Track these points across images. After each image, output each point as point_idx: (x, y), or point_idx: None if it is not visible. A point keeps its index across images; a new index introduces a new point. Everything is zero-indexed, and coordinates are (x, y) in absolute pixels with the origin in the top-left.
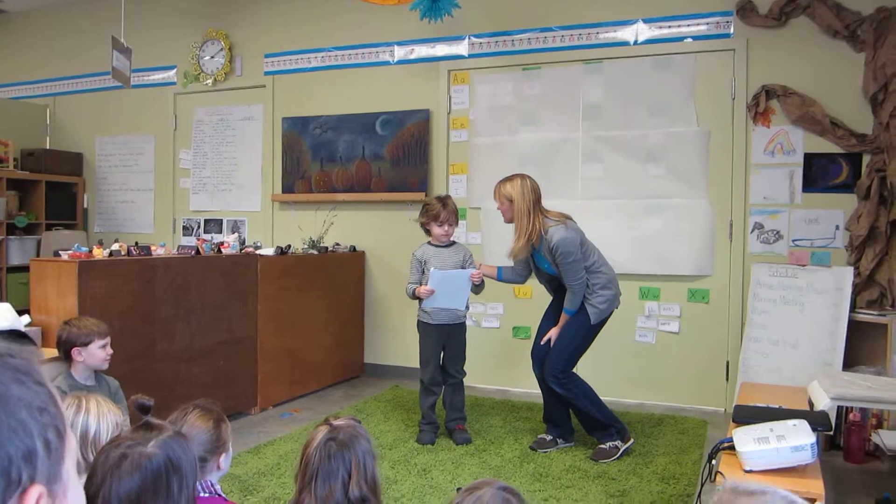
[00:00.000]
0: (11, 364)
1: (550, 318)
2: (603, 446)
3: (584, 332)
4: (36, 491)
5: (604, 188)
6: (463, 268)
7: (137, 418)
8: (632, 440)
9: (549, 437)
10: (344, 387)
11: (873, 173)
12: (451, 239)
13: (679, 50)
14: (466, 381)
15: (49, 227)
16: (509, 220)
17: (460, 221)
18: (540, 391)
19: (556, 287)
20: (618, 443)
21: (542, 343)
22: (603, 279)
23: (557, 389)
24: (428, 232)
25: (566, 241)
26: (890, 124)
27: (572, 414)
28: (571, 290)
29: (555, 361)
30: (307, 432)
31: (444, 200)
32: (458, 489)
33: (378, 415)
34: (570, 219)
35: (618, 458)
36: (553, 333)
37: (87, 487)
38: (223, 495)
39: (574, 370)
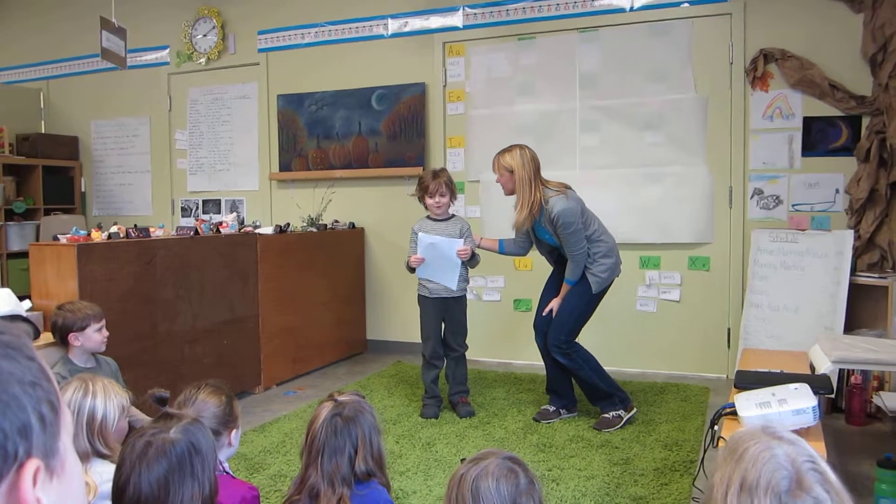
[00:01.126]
0: (1, 340)
1: (552, 289)
2: (606, 415)
3: (585, 301)
4: (33, 465)
5: (602, 158)
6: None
7: (155, 409)
8: (635, 409)
9: (552, 408)
10: (347, 364)
11: (873, 135)
12: (451, 212)
13: (675, 15)
14: (469, 354)
15: (47, 212)
16: (510, 192)
17: (459, 195)
18: (542, 363)
19: (557, 258)
20: (621, 412)
21: (543, 314)
22: (604, 248)
23: (561, 360)
24: (426, 206)
25: (567, 212)
26: (889, 85)
27: (575, 384)
28: (572, 260)
29: (557, 332)
30: (312, 410)
31: (437, 172)
32: (463, 460)
33: (381, 390)
34: (570, 188)
35: (621, 427)
36: (554, 304)
37: (116, 477)
38: (231, 473)
39: (577, 340)
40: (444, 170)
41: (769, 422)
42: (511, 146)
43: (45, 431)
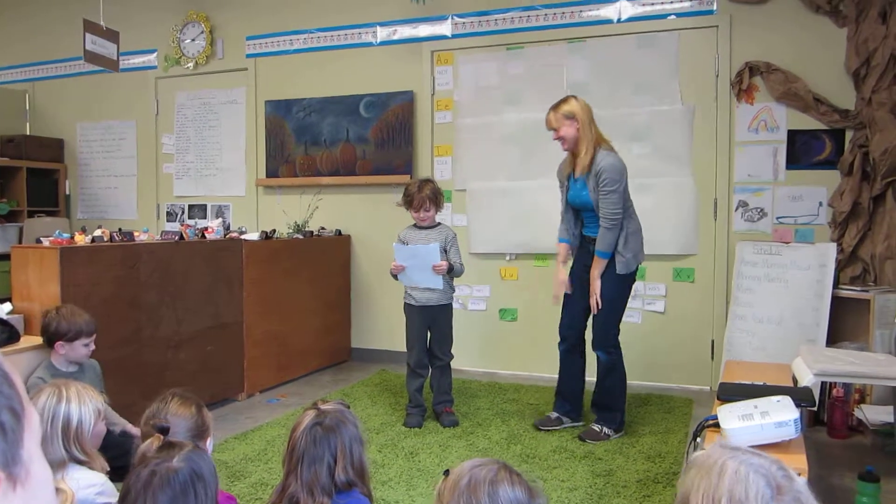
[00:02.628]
0: None
1: (576, 292)
2: (596, 427)
3: (619, 287)
4: None
5: None
6: (445, 250)
7: (157, 438)
8: (622, 433)
9: (554, 415)
10: (331, 371)
11: (856, 149)
12: (437, 221)
13: (662, 27)
14: (453, 364)
15: (31, 215)
16: (572, 144)
17: (446, 204)
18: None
19: (581, 239)
20: (611, 432)
21: (595, 310)
22: (634, 225)
23: (602, 356)
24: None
25: (614, 168)
26: (872, 99)
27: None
28: (606, 227)
29: (604, 327)
30: (294, 417)
31: (421, 185)
32: (447, 472)
33: (365, 399)
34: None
35: (602, 442)
36: (594, 295)
37: None
38: None
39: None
40: (428, 181)
41: (727, 440)
42: (564, 98)
43: (6, 440)
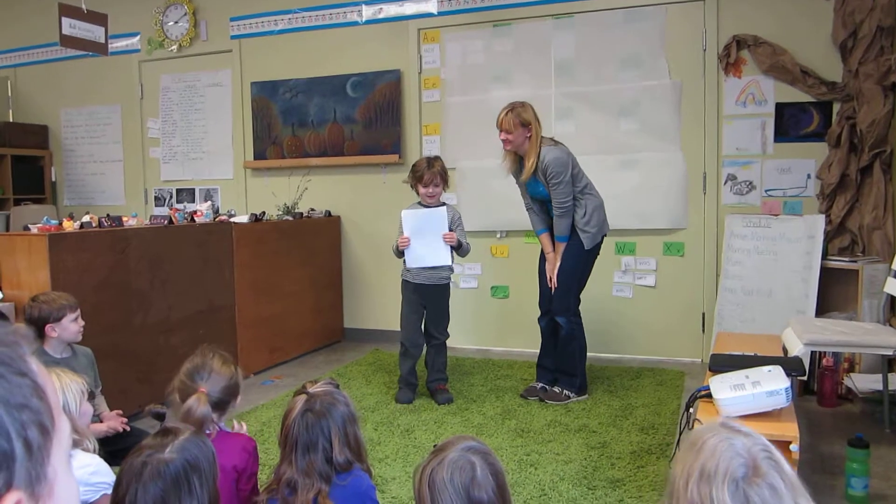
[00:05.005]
0: None
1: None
2: (556, 390)
3: (582, 260)
4: (13, 497)
5: (578, 144)
6: (451, 230)
7: (154, 425)
8: (586, 396)
9: (538, 385)
10: (325, 352)
11: (843, 121)
12: (442, 200)
13: (649, 2)
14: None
15: (17, 202)
16: (518, 146)
17: None
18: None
19: (550, 225)
20: (572, 394)
21: (550, 286)
22: (594, 202)
23: (563, 324)
24: (418, 193)
25: (557, 161)
26: (859, 71)
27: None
28: (559, 214)
29: (562, 295)
30: (289, 399)
31: (432, 161)
32: (435, 445)
33: (360, 378)
34: (562, 144)
35: (562, 403)
36: (550, 271)
37: (114, 498)
38: (226, 429)
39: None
40: (438, 158)
41: (728, 417)
42: (517, 102)
43: (30, 459)
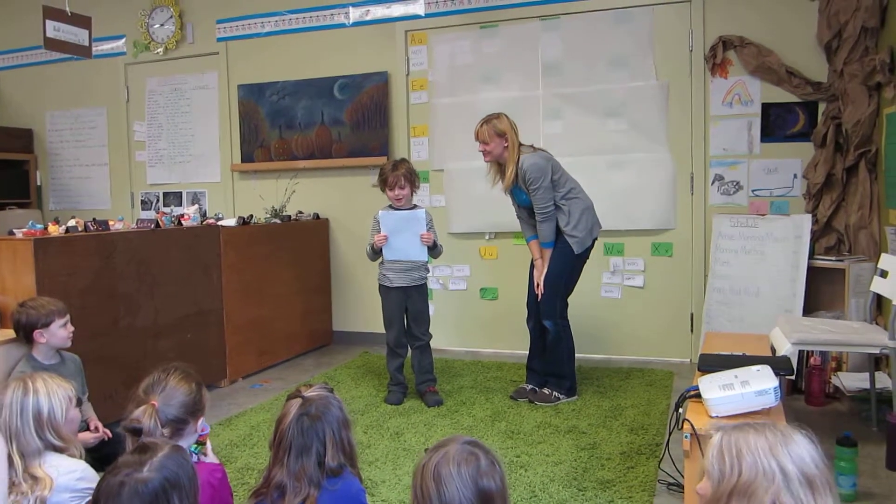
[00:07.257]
0: None
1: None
2: (546, 391)
3: (570, 264)
4: None
5: (565, 145)
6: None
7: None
8: (576, 397)
9: (528, 387)
10: (314, 355)
11: (829, 121)
12: (414, 203)
13: (636, 3)
14: (435, 343)
15: (2, 207)
16: (497, 157)
17: (424, 184)
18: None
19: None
20: (562, 396)
21: (536, 292)
22: (581, 205)
23: (550, 328)
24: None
25: (535, 167)
26: (844, 71)
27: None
28: (541, 220)
29: (549, 298)
30: (279, 402)
31: (396, 164)
32: (427, 450)
33: (349, 381)
34: (543, 150)
35: (552, 405)
36: (538, 277)
37: None
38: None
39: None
40: (403, 161)
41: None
42: (495, 113)
43: None
